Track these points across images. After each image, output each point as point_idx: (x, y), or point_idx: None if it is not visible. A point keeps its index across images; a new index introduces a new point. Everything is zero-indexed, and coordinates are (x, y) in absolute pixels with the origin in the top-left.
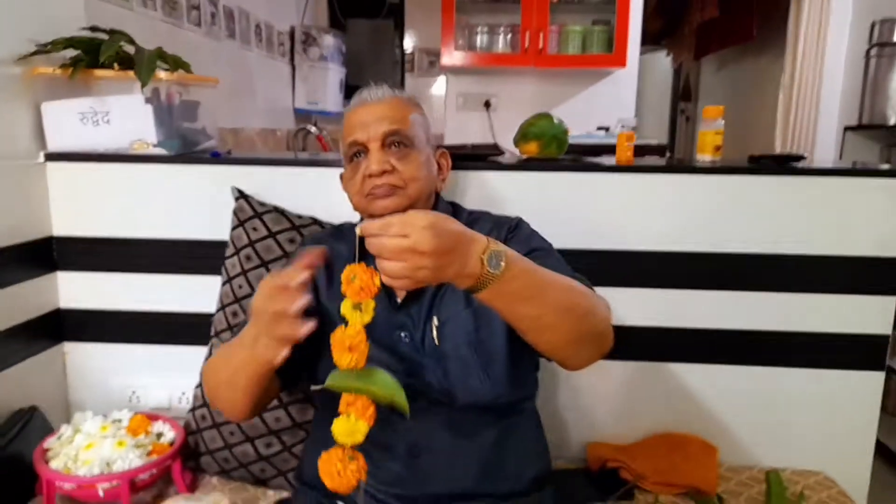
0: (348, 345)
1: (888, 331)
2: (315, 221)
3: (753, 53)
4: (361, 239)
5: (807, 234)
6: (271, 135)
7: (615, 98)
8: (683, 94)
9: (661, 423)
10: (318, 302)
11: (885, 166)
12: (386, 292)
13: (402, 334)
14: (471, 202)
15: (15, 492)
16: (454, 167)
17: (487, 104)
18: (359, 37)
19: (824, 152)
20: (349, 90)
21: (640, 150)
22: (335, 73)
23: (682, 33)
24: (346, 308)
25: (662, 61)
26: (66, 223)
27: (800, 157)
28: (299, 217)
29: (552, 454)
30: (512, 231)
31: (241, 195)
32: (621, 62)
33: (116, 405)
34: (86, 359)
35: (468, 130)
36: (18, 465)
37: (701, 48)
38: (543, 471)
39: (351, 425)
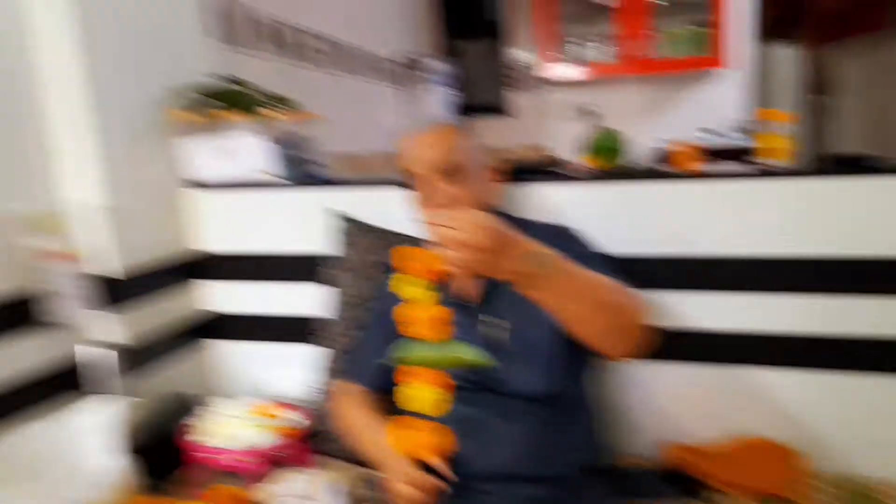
0: (440, 320)
1: None
2: (411, 238)
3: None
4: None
5: None
6: (385, 157)
7: (723, 98)
8: (817, 87)
9: (744, 427)
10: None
11: None
12: (460, 298)
13: (473, 334)
14: (529, 213)
15: (162, 462)
16: (515, 180)
17: (589, 114)
18: (467, 58)
19: None
20: (460, 111)
21: (729, 154)
22: (443, 96)
23: (807, 23)
24: (412, 287)
25: (790, 55)
26: (207, 240)
27: (870, 158)
28: (397, 235)
29: (624, 451)
30: (559, 237)
31: (345, 218)
32: (724, 62)
33: (252, 394)
34: (225, 353)
35: (571, 142)
36: (167, 439)
37: (830, 38)
38: (592, 460)
39: (434, 395)
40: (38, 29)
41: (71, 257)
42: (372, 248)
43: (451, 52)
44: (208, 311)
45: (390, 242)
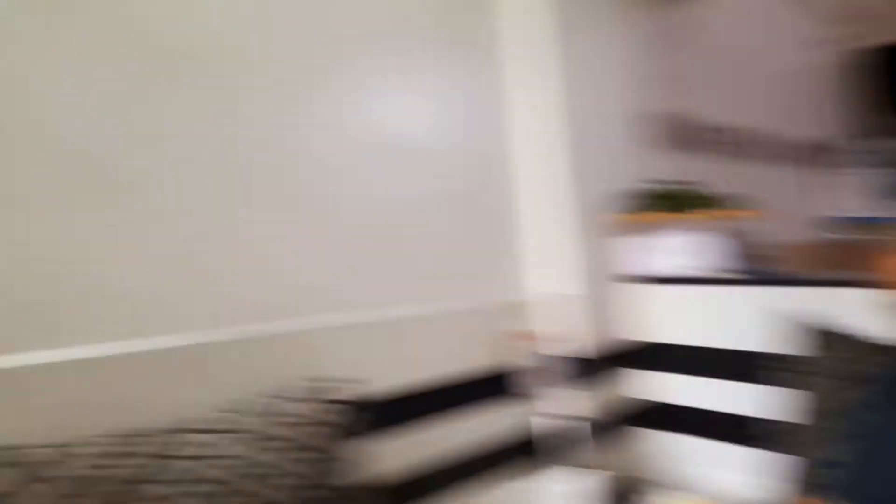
0: None
1: None
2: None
3: None
4: None
5: None
6: (824, 247)
7: None
8: None
9: None
10: None
11: None
12: None
13: None
14: None
15: None
16: None
17: None
18: None
19: None
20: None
21: None
22: (875, 178)
23: None
24: None
25: None
26: (645, 331)
27: None
28: (881, 344)
29: None
30: None
31: (815, 321)
32: None
33: (683, 488)
34: (656, 442)
35: None
36: None
37: None
38: None
39: None
40: (517, 150)
41: (534, 339)
42: (851, 354)
43: (880, 130)
44: (642, 400)
45: (875, 351)
